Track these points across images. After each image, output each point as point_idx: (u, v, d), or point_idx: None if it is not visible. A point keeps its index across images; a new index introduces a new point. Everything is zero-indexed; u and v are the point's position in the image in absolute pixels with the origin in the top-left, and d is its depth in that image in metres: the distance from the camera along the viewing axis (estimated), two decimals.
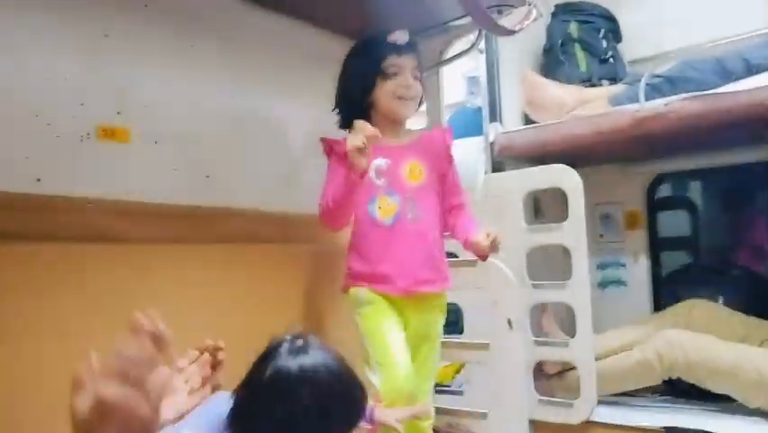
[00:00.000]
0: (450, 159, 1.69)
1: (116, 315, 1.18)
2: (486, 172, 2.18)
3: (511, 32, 1.53)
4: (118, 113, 1.49)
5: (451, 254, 2.11)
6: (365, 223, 1.59)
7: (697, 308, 2.16)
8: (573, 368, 2.06)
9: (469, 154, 2.48)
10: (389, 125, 1.60)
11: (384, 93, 1.58)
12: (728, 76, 1.90)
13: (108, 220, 1.43)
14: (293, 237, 1.84)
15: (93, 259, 1.31)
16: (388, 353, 1.54)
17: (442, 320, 1.71)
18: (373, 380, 1.54)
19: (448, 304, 1.72)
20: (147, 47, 1.56)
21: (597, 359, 2.00)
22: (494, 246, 1.53)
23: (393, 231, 1.56)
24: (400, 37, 1.58)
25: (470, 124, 2.62)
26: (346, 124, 1.66)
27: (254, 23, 1.85)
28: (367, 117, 1.58)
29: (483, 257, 1.59)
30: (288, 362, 0.90)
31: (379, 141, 1.42)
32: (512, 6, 1.76)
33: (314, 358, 0.91)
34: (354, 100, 1.62)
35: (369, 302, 1.59)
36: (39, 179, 1.35)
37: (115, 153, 1.48)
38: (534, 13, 1.47)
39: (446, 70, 2.24)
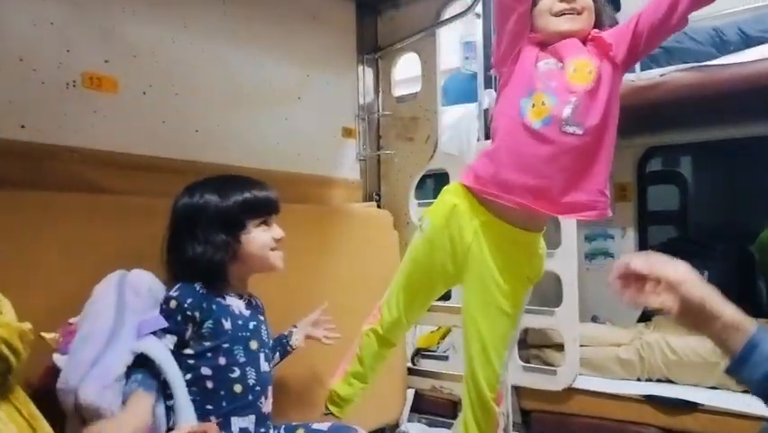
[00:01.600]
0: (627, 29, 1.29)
1: (95, 266, 1.19)
2: (479, 139, 2.16)
3: None
4: (106, 61, 1.46)
5: None
6: (509, 118, 1.33)
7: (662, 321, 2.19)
8: (554, 346, 2.10)
9: (463, 120, 2.46)
10: (557, 38, 1.32)
11: (540, 13, 1.32)
12: (726, 47, 1.88)
13: (93, 171, 1.41)
14: (284, 197, 1.82)
15: (75, 209, 1.28)
16: (395, 288, 1.48)
17: (538, 271, 1.40)
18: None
19: None
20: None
21: (582, 345, 2.03)
22: None
23: (540, 138, 1.27)
24: None
25: (465, 90, 2.59)
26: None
27: None
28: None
29: None
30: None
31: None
32: None
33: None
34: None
35: (424, 233, 1.41)
36: (23, 126, 1.32)
37: (102, 103, 1.45)
38: None
39: (443, 34, 2.20)
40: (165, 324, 1.12)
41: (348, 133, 2.19)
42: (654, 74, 1.86)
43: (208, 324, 1.16)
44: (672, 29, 1.25)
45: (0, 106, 1.28)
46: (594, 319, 2.52)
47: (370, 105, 2.31)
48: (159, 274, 1.20)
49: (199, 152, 1.65)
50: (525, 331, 2.17)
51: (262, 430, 1.22)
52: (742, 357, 0.87)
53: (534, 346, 2.19)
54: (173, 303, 1.13)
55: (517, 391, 2.07)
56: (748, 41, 1.87)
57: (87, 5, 1.43)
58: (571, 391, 1.98)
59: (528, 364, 2.09)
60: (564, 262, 1.95)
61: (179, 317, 1.13)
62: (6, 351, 0.71)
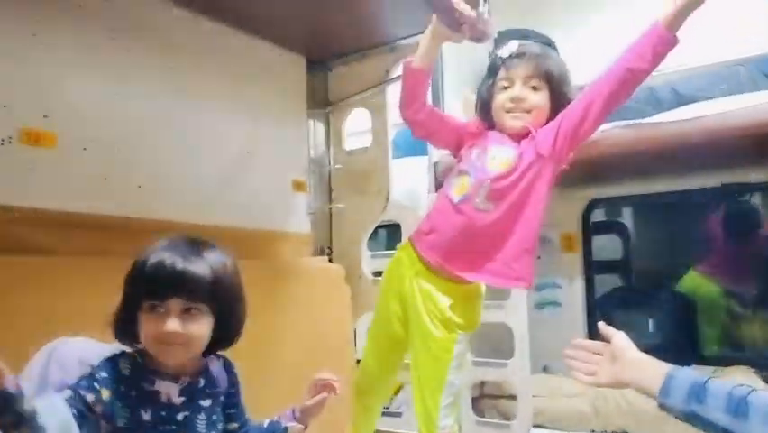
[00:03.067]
0: (553, 127, 1.45)
1: (37, 330, 1.12)
2: (429, 192, 2.19)
3: (486, 36, 1.47)
4: (45, 116, 1.41)
5: None
6: (442, 196, 1.54)
7: None
8: (509, 397, 2.09)
9: (413, 174, 2.48)
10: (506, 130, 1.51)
11: (495, 109, 1.50)
12: (660, 105, 1.98)
13: (31, 230, 1.35)
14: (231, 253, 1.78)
15: (13, 272, 1.22)
16: (368, 340, 1.63)
17: (470, 320, 1.53)
18: None
19: None
20: (78, 49, 1.49)
21: (535, 396, 2.03)
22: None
23: (456, 210, 1.46)
24: (505, 50, 1.50)
25: (414, 144, 2.62)
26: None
27: (197, 32, 1.80)
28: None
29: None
30: None
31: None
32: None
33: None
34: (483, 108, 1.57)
35: (383, 278, 1.62)
36: None
37: (40, 159, 1.40)
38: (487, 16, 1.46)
39: (393, 90, 2.24)
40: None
41: (298, 186, 2.18)
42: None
43: (124, 413, 0.98)
44: (591, 127, 1.43)
45: None
46: (545, 369, 2.53)
47: (320, 159, 2.32)
48: (105, 337, 1.13)
49: (142, 209, 1.60)
50: (482, 383, 2.16)
51: None
52: (664, 389, 1.05)
53: (491, 397, 2.18)
54: (87, 371, 0.99)
55: None
56: (680, 100, 1.97)
57: (27, 61, 1.39)
58: None
59: (482, 419, 2.07)
60: (514, 313, 1.96)
61: (88, 388, 0.96)
62: None
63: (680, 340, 2.50)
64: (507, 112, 1.47)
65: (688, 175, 2.34)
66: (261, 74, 2.04)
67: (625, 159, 2.02)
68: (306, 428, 1.19)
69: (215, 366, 1.12)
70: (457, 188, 1.48)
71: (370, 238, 2.30)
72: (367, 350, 1.66)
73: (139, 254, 1.00)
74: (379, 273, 2.11)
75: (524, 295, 1.97)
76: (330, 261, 2.24)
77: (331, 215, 2.31)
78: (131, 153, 1.61)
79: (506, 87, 1.48)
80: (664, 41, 1.32)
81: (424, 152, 2.30)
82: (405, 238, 2.23)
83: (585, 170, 2.27)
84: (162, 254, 0.99)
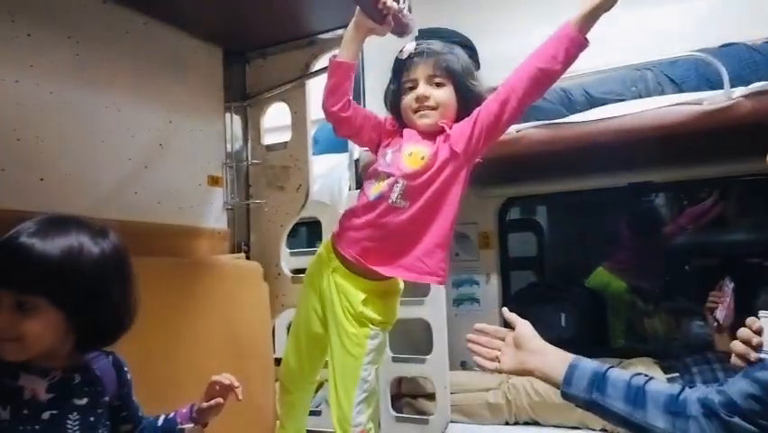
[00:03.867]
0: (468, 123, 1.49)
1: None
2: (350, 188, 2.17)
3: (409, 30, 1.48)
4: None
5: None
6: (362, 192, 1.55)
7: None
8: (426, 396, 2.12)
9: (334, 170, 2.46)
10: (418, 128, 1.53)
11: (403, 110, 1.53)
12: (573, 107, 2.05)
13: None
14: (143, 249, 1.70)
15: None
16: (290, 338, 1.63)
17: (384, 316, 1.54)
18: None
19: None
20: None
21: (453, 392, 2.06)
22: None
23: (371, 207, 1.48)
24: (405, 51, 1.52)
25: (335, 140, 2.60)
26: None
27: (108, 18, 1.71)
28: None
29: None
30: None
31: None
32: None
33: None
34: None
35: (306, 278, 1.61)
36: None
37: None
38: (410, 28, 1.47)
39: (313, 85, 2.21)
40: None
41: (214, 181, 2.11)
42: (511, 130, 1.98)
43: None
44: (505, 124, 1.48)
45: None
46: (463, 365, 2.57)
47: (238, 154, 2.26)
48: None
49: (45, 203, 1.50)
50: (399, 381, 2.17)
51: None
52: (566, 379, 1.07)
53: (408, 396, 2.19)
54: None
55: None
56: (593, 102, 2.05)
57: None
58: None
59: (400, 415, 2.08)
60: (433, 309, 1.98)
61: None
62: None
63: (590, 333, 2.60)
64: (415, 112, 1.50)
65: (598, 174, 2.45)
66: (176, 65, 1.97)
67: (539, 158, 2.08)
68: (205, 426, 1.12)
69: (102, 363, 1.03)
70: (374, 186, 1.49)
71: (290, 235, 2.26)
72: (288, 348, 1.65)
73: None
74: (298, 271, 2.08)
75: (443, 291, 1.99)
76: (248, 258, 2.19)
77: (249, 211, 2.25)
78: (33, 144, 1.50)
79: (411, 88, 1.51)
80: (576, 43, 1.36)
81: (344, 149, 2.28)
82: (325, 236, 2.22)
83: (501, 169, 2.33)
84: (6, 237, 0.90)
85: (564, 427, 2.02)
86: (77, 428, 0.96)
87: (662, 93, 1.97)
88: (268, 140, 2.30)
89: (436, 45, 1.52)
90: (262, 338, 2.04)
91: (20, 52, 1.49)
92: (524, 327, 1.19)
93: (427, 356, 1.99)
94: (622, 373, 1.07)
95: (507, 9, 2.45)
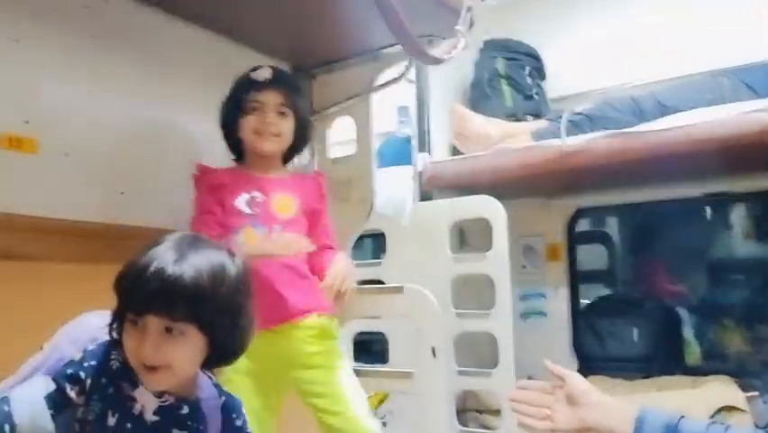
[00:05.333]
0: (322, 200, 1.66)
1: (16, 335, 1.10)
2: (414, 201, 2.19)
3: (439, 61, 1.55)
4: (26, 122, 1.39)
5: (378, 281, 2.10)
6: None
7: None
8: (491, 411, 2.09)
9: (397, 183, 2.49)
10: (259, 159, 1.57)
11: (244, 129, 1.55)
12: (643, 116, 1.99)
13: (11, 236, 1.32)
14: None
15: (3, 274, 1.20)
16: None
17: (328, 345, 1.54)
18: None
19: (374, 333, 1.69)
20: (60, 55, 1.47)
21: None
22: (339, 296, 1.50)
23: (262, 266, 1.42)
24: (260, 74, 1.57)
25: (399, 153, 2.63)
26: (235, 152, 1.62)
27: (176, 36, 1.79)
28: (241, 150, 1.58)
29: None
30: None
31: (251, 174, 1.50)
32: (441, 37, 1.78)
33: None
34: (227, 134, 1.60)
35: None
36: None
37: (22, 165, 1.38)
38: (462, 42, 1.49)
39: (378, 98, 2.24)
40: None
41: None
42: (580, 140, 1.95)
43: (96, 408, 0.90)
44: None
45: None
46: (530, 379, 2.52)
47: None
48: None
49: (124, 215, 1.58)
50: (465, 394, 2.15)
51: None
52: None
53: (473, 410, 2.17)
54: (78, 356, 0.93)
55: None
56: (664, 111, 1.99)
57: (9, 67, 1.37)
58: None
59: (465, 428, 2.06)
60: (499, 321, 1.96)
61: (72, 373, 0.90)
62: None
63: (664, 350, 2.50)
64: (256, 134, 1.53)
65: (672, 184, 2.36)
66: None
67: (609, 168, 2.03)
68: None
69: (211, 403, 0.99)
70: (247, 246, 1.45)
71: (355, 247, 2.29)
72: None
73: (135, 253, 0.89)
74: (363, 282, 2.10)
75: (508, 304, 1.97)
76: None
77: None
78: (113, 160, 1.59)
79: (254, 109, 1.54)
80: None
81: (408, 162, 2.30)
82: (389, 248, 2.23)
83: (570, 180, 2.30)
84: (148, 259, 0.86)
85: None
86: None
87: (739, 100, 1.89)
88: (333, 153, 2.34)
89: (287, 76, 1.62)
90: None
91: (101, 73, 1.57)
92: (577, 379, 1.08)
93: (492, 370, 1.96)
94: (697, 424, 0.98)
95: (572, 19, 2.42)
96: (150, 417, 0.92)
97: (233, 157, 1.62)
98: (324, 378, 1.49)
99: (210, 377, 1.02)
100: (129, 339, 0.88)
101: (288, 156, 1.64)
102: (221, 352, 0.94)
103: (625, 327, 2.48)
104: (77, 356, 0.92)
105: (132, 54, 1.65)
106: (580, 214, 2.66)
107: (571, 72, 2.55)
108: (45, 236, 1.39)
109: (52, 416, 0.87)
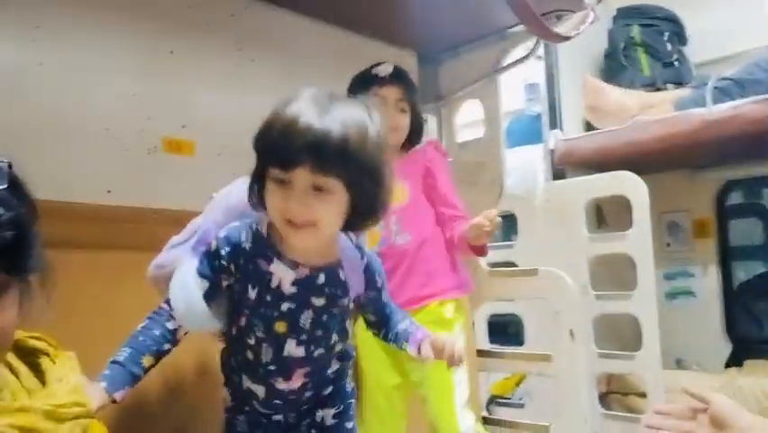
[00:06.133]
0: (434, 169, 1.64)
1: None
2: (546, 180, 2.14)
3: (566, 38, 1.51)
4: (183, 126, 1.55)
5: (510, 263, 2.09)
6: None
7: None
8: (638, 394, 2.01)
9: (528, 162, 2.44)
10: None
11: None
12: None
13: (171, 230, 1.47)
14: None
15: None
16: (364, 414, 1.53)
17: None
18: None
19: (508, 315, 1.69)
20: (209, 62, 1.62)
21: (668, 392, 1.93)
22: (492, 224, 1.42)
23: (382, 257, 1.42)
24: (383, 70, 1.61)
25: (528, 132, 2.58)
26: None
27: (312, 36, 1.88)
28: None
29: (480, 249, 1.53)
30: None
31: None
32: (570, 11, 1.73)
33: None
34: None
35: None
36: (109, 191, 1.41)
37: (181, 165, 1.53)
38: (592, 16, 1.44)
39: (505, 78, 2.22)
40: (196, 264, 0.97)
41: None
42: (727, 107, 1.80)
43: (237, 286, 0.97)
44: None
45: (89, 175, 1.38)
46: (679, 363, 2.40)
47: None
48: None
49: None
50: (608, 377, 2.09)
51: (277, 402, 1.02)
52: None
53: (617, 393, 2.11)
54: (213, 244, 0.98)
55: None
56: None
57: (166, 76, 1.53)
58: None
59: (610, 412, 2.00)
60: (642, 303, 1.88)
61: (215, 263, 0.97)
62: None
63: None
64: None
65: None
66: None
67: (763, 135, 1.86)
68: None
69: (354, 264, 1.02)
70: (369, 241, 1.44)
71: None
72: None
73: (276, 106, 0.89)
74: (495, 265, 2.10)
75: (652, 284, 1.88)
76: None
77: None
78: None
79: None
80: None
81: (539, 140, 2.25)
82: (521, 229, 2.21)
83: (718, 150, 2.13)
84: (292, 114, 0.85)
85: None
86: (308, 324, 0.98)
87: None
88: (461, 137, 2.35)
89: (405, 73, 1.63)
90: None
91: (246, 77, 1.70)
92: (722, 401, 0.98)
93: (636, 352, 1.89)
94: None
95: None
96: (288, 289, 0.96)
97: None
98: (432, 370, 1.45)
99: (351, 239, 1.03)
100: (274, 198, 0.88)
101: (399, 151, 1.65)
102: (362, 213, 0.93)
103: None
104: (213, 245, 0.98)
105: (270, 55, 1.77)
106: (730, 186, 2.47)
107: (715, 34, 2.35)
108: None
109: (206, 298, 0.97)
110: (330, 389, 1.07)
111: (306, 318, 0.98)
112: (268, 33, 1.77)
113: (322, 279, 0.98)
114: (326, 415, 1.08)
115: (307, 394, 1.04)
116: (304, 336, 0.98)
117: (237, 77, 1.69)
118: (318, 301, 0.98)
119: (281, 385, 1.01)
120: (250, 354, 1.00)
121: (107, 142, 1.42)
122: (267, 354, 0.98)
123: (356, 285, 1.02)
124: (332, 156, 0.84)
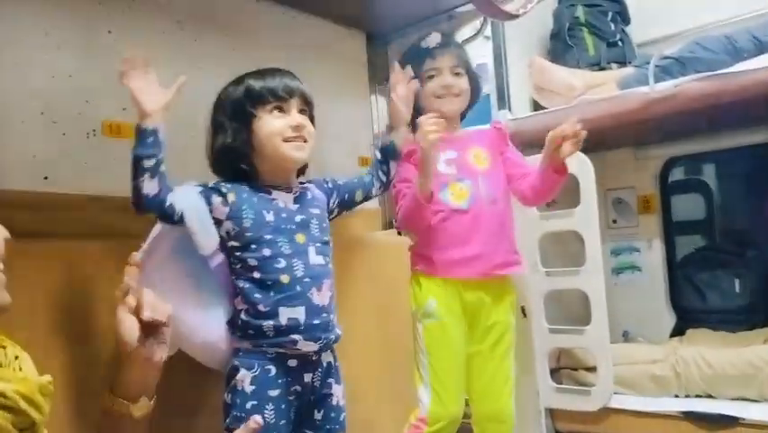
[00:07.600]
0: (508, 145, 1.74)
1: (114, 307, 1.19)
2: None
3: (514, 16, 1.52)
4: (124, 109, 1.48)
5: None
6: (440, 211, 1.58)
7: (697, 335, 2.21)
8: (587, 368, 2.07)
9: None
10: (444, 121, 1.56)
11: (426, 96, 1.63)
12: (739, 55, 1.86)
13: (111, 216, 1.41)
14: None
15: (94, 254, 1.29)
16: (444, 380, 1.56)
17: (512, 313, 1.67)
18: (422, 396, 1.58)
19: None
20: (151, 42, 1.56)
21: (615, 364, 1.99)
22: (577, 135, 1.48)
23: (470, 214, 1.57)
24: (431, 41, 1.66)
25: (477, 112, 2.59)
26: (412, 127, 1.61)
27: (258, 15, 1.84)
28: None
29: (564, 168, 1.54)
30: None
31: (442, 137, 1.48)
32: None
33: None
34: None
35: (435, 315, 1.58)
36: (46, 177, 1.35)
37: (122, 150, 1.47)
38: None
39: None
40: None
41: (365, 162, 2.20)
42: (669, 85, 1.85)
43: (250, 214, 1.20)
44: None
45: (26, 161, 1.32)
46: (625, 335, 2.47)
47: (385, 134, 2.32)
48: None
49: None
50: (558, 353, 2.14)
51: (315, 321, 1.20)
52: None
53: (567, 368, 2.16)
54: (211, 183, 1.24)
55: (551, 413, 2.03)
56: (762, 47, 1.85)
57: (105, 56, 1.46)
58: (606, 411, 1.95)
59: (561, 385, 2.06)
60: (590, 278, 1.93)
61: (217, 189, 1.22)
62: (26, 406, 0.71)
63: None
64: (438, 98, 1.63)
65: None
66: (323, 53, 2.06)
67: (702, 113, 1.92)
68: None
69: (313, 190, 1.34)
70: (455, 197, 1.58)
71: None
72: (444, 383, 1.58)
73: (228, 86, 1.29)
74: None
75: (599, 259, 1.93)
76: (399, 234, 2.26)
77: None
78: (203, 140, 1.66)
79: (432, 77, 1.63)
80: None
81: (487, 120, 2.26)
82: None
83: (661, 128, 2.19)
84: (272, 75, 1.26)
85: (744, 399, 1.87)
86: (316, 228, 1.27)
87: None
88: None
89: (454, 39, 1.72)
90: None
91: (189, 56, 1.65)
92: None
93: (586, 327, 1.94)
94: None
95: None
96: (293, 206, 1.27)
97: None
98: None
99: None
100: (273, 122, 1.23)
101: (463, 113, 1.74)
102: None
103: (726, 278, 2.37)
104: (212, 183, 1.25)
105: (213, 34, 1.73)
106: (672, 163, 2.54)
107: (658, 14, 2.40)
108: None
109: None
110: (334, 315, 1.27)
111: (314, 225, 1.27)
112: (211, 11, 1.72)
113: (309, 195, 1.31)
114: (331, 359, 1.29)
115: (330, 316, 1.24)
116: (318, 244, 1.25)
117: (179, 56, 1.63)
118: (315, 210, 1.29)
119: (316, 299, 1.21)
120: (284, 278, 1.19)
121: (44, 126, 1.36)
122: (299, 268, 1.20)
123: (321, 197, 1.34)
124: (307, 92, 1.30)
